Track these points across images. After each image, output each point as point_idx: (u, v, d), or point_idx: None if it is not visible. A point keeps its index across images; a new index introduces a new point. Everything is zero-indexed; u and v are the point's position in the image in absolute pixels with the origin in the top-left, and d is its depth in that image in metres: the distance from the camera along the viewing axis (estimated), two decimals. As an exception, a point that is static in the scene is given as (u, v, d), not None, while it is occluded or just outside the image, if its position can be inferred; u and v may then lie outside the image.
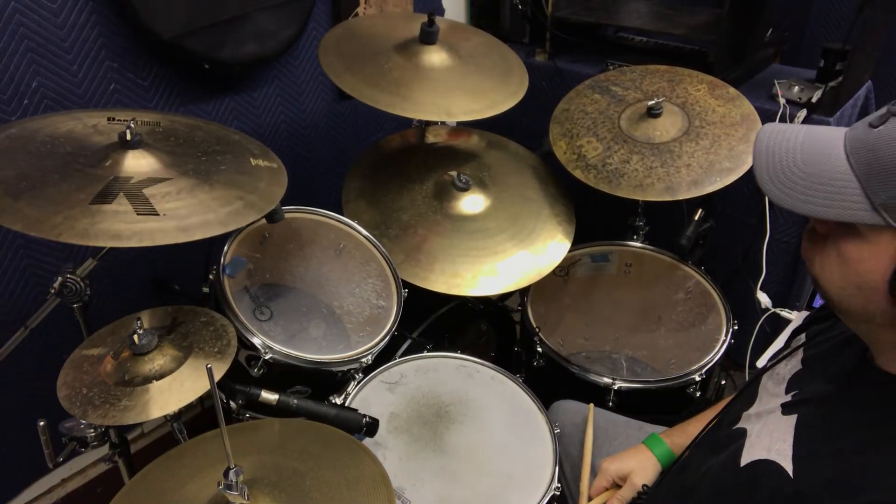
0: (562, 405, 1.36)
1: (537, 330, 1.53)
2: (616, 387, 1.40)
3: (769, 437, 0.76)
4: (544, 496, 1.13)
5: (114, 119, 1.19)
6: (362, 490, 0.91)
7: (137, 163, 1.07)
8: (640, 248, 1.69)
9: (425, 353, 1.42)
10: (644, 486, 1.09)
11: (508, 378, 1.36)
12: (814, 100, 1.71)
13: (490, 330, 1.77)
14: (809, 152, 0.69)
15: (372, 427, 1.16)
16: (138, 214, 0.98)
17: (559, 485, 1.16)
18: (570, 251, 1.61)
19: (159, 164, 1.09)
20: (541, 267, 1.55)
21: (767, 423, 0.79)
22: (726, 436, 0.87)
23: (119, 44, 1.48)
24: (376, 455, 0.98)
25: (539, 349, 1.52)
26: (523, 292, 1.61)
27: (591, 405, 1.31)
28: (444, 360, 1.40)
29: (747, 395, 0.90)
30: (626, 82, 1.73)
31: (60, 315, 1.14)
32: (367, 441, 1.17)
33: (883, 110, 0.65)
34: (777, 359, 0.88)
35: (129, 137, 1.07)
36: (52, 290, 1.09)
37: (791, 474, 0.70)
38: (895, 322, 0.66)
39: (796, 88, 1.75)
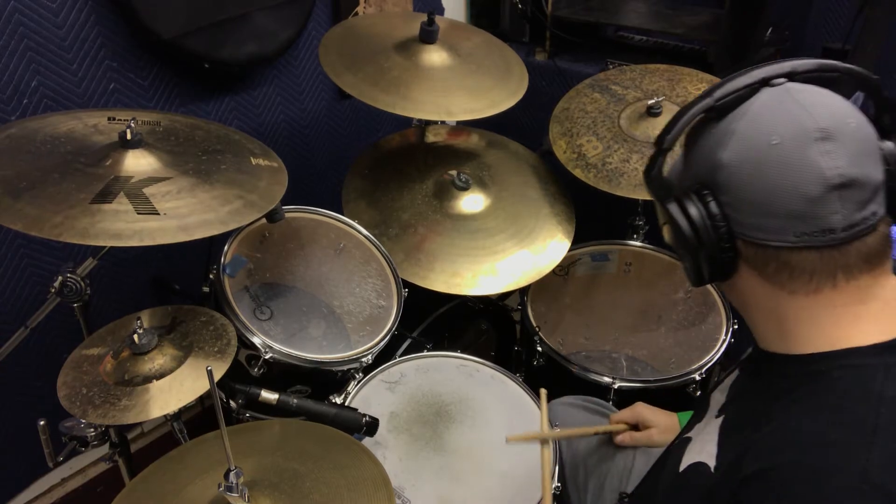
0: (557, 403, 1.36)
1: (537, 329, 1.53)
2: (616, 386, 1.41)
3: (701, 441, 0.79)
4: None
5: (114, 119, 1.19)
6: (362, 491, 0.91)
7: (138, 162, 1.07)
8: (640, 247, 1.69)
9: (425, 353, 1.42)
10: (622, 493, 1.12)
11: (508, 377, 1.36)
12: (814, 99, 1.70)
13: (490, 329, 1.77)
14: None
15: (372, 427, 1.16)
16: (138, 213, 0.98)
17: (559, 484, 1.16)
18: (570, 250, 1.61)
19: (159, 164, 1.09)
20: (541, 266, 1.55)
21: (704, 429, 0.82)
22: (676, 446, 0.89)
23: (119, 44, 1.48)
24: (376, 455, 0.98)
25: (539, 348, 1.52)
26: (523, 292, 1.61)
27: (543, 390, 1.18)
28: (444, 359, 1.40)
29: (702, 408, 0.91)
30: (625, 81, 1.73)
31: (60, 315, 1.15)
32: (367, 441, 1.17)
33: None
34: (727, 371, 0.90)
35: (129, 137, 1.07)
36: (53, 290, 1.09)
37: (713, 470, 0.73)
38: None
39: (796, 88, 1.74)
